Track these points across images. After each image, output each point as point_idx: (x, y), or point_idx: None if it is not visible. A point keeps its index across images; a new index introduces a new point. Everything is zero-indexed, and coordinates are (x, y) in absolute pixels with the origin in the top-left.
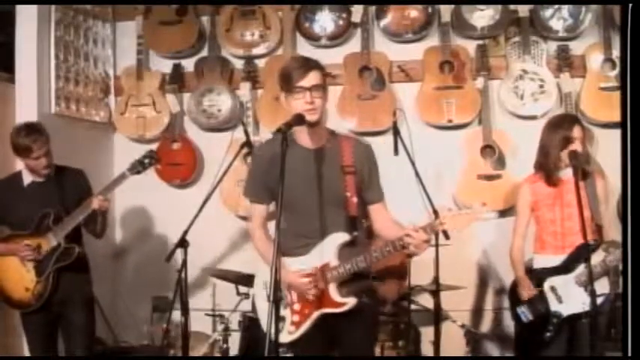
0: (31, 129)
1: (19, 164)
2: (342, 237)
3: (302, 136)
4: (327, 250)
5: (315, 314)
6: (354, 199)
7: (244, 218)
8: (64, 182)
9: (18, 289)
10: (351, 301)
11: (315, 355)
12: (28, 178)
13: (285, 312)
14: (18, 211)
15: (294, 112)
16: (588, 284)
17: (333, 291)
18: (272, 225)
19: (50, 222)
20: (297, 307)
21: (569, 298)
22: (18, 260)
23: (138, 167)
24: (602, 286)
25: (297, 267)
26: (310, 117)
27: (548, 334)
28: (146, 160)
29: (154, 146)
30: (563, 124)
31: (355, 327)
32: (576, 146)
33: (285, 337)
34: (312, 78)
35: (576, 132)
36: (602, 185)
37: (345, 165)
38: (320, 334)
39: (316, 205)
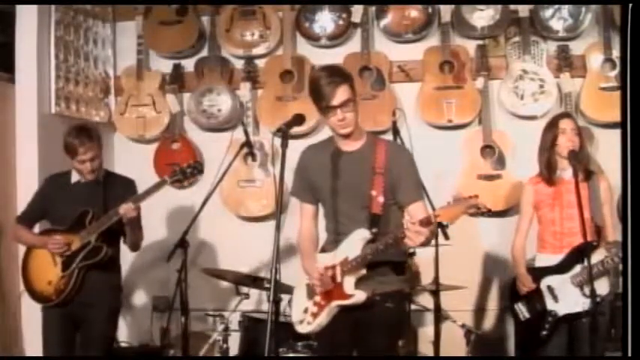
0: (81, 131)
1: (19, 163)
2: (364, 233)
3: (341, 142)
4: (351, 246)
5: (329, 306)
6: (380, 199)
7: (244, 218)
8: (110, 187)
9: (42, 282)
10: (358, 294)
11: (335, 349)
12: (75, 177)
13: (309, 303)
14: (60, 208)
15: (329, 126)
16: (586, 284)
17: (347, 283)
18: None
19: (87, 221)
20: (317, 299)
21: (565, 297)
22: (49, 254)
23: (179, 176)
24: (601, 287)
25: (325, 261)
26: (342, 130)
27: (544, 332)
28: (188, 170)
29: (153, 146)
30: (552, 122)
31: (375, 330)
32: (566, 139)
33: (304, 328)
34: (341, 94)
35: (563, 124)
36: (605, 187)
37: (376, 166)
38: (344, 331)
39: (346, 203)
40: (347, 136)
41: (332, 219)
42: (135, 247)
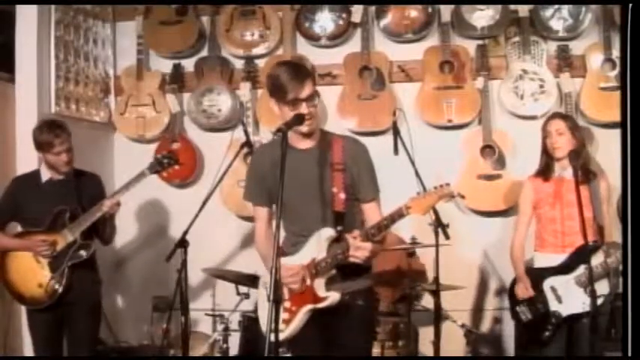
0: (54, 125)
1: (19, 163)
2: (329, 232)
3: (295, 139)
4: (316, 246)
5: (302, 311)
6: (341, 196)
7: (244, 218)
8: (81, 184)
9: (31, 285)
10: (333, 296)
11: (310, 353)
12: (45, 176)
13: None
14: (32, 208)
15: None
16: (588, 285)
17: (318, 286)
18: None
19: (66, 219)
20: (287, 304)
21: (569, 298)
22: (32, 256)
23: (157, 167)
24: (603, 287)
25: (289, 264)
26: (307, 128)
27: (546, 333)
28: (165, 160)
29: (153, 146)
30: (543, 124)
31: (349, 329)
32: (550, 142)
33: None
34: (308, 88)
35: (549, 127)
36: (605, 187)
37: (334, 162)
38: (316, 334)
39: (307, 203)
40: (305, 134)
41: (293, 221)
42: (109, 241)
